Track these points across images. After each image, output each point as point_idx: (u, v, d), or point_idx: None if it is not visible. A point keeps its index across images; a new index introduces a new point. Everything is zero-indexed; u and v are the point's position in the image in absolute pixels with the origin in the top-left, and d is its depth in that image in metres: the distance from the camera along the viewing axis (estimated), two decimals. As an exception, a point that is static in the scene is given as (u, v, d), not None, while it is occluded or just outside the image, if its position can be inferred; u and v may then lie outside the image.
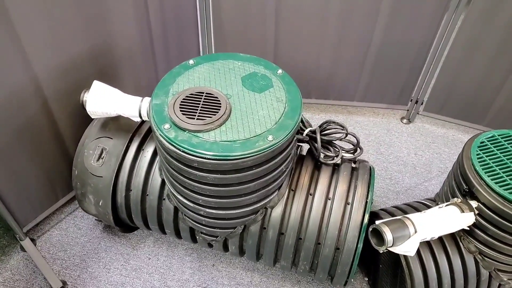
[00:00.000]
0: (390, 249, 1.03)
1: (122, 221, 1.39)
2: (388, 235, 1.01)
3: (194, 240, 1.34)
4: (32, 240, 1.42)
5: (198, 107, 1.02)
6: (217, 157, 0.95)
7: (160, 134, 0.99)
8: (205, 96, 1.05)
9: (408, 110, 2.00)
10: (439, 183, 1.74)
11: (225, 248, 1.31)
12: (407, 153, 1.88)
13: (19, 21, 1.09)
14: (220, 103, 1.03)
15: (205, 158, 0.95)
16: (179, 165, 1.01)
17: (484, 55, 1.70)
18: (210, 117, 1.00)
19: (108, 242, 1.49)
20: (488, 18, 1.60)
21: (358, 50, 1.80)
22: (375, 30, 1.72)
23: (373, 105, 2.01)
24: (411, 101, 1.96)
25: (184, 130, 0.98)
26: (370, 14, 1.68)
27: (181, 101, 1.03)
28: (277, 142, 0.98)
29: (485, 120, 1.89)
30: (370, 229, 1.05)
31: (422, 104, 1.96)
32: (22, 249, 1.42)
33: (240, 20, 1.73)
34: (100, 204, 1.29)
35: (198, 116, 1.00)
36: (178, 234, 1.33)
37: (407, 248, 1.02)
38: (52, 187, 1.47)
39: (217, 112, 1.01)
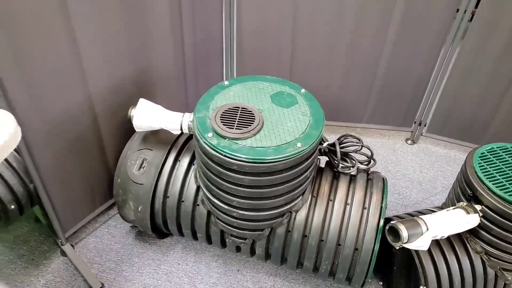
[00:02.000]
0: (405, 245, 1.16)
1: (156, 227, 1.51)
2: (404, 232, 1.14)
3: (223, 244, 1.46)
4: (71, 245, 1.54)
5: (236, 118, 1.18)
6: (254, 160, 1.10)
7: (204, 142, 1.15)
8: (241, 110, 1.21)
9: (412, 131, 2.17)
10: (444, 198, 1.87)
11: (252, 251, 1.44)
12: (412, 171, 2.02)
13: (84, 46, 1.27)
14: (254, 116, 1.20)
15: (243, 161, 1.10)
16: (220, 169, 1.15)
17: (479, 82, 1.89)
18: (246, 127, 1.16)
19: (140, 249, 1.61)
20: (481, 49, 1.79)
21: (365, 76, 1.99)
22: (380, 59, 1.92)
23: (379, 127, 2.18)
24: (414, 123, 2.13)
25: (224, 137, 1.14)
26: (376, 45, 1.88)
27: (221, 114, 1.19)
28: (305, 149, 1.13)
29: (483, 140, 2.05)
30: (387, 227, 1.18)
31: (425, 126, 2.13)
32: (62, 254, 1.53)
33: (259, 49, 1.92)
34: (140, 209, 1.42)
35: (236, 126, 1.16)
36: (208, 239, 1.46)
37: (420, 243, 1.15)
38: (92, 196, 1.60)
39: (252, 123, 1.17)
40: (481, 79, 1.88)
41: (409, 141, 2.18)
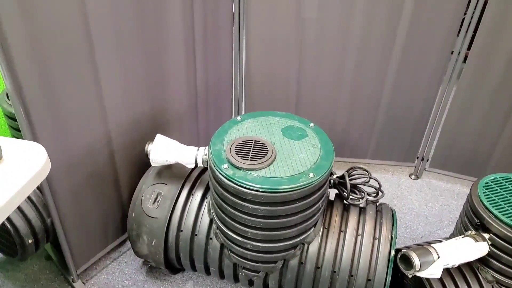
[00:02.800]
0: (418, 273, 1.18)
1: (169, 261, 1.52)
2: (416, 260, 1.16)
3: (235, 278, 1.47)
4: (83, 283, 1.54)
5: (250, 151, 1.24)
6: (269, 190, 1.14)
7: (220, 173, 1.20)
8: (254, 142, 1.28)
9: (415, 166, 2.22)
10: (451, 231, 1.90)
11: (265, 285, 1.44)
12: (418, 205, 2.06)
13: (106, 85, 1.36)
14: (267, 148, 1.26)
15: (258, 191, 1.14)
16: (235, 199, 1.19)
17: (477, 117, 1.97)
18: (260, 158, 1.21)
19: (151, 285, 1.61)
20: (477, 87, 1.89)
21: (368, 114, 2.08)
22: (381, 97, 2.01)
23: (383, 162, 2.24)
24: (417, 158, 2.20)
25: (240, 168, 1.19)
26: (377, 84, 1.98)
27: (236, 146, 1.25)
28: (317, 178, 1.18)
29: (485, 173, 2.09)
30: (399, 256, 1.20)
31: (427, 161, 2.19)
32: (73, 291, 1.53)
33: (267, 89, 2.02)
34: (153, 243, 1.44)
35: (251, 158, 1.21)
36: (221, 273, 1.47)
37: (432, 271, 1.17)
38: (105, 232, 1.62)
39: (266, 155, 1.23)
40: (479, 115, 1.97)
41: (413, 176, 2.23)
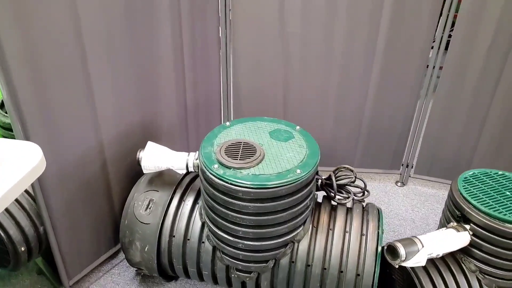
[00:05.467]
0: (403, 263, 1.22)
1: (162, 268, 1.54)
2: (401, 250, 1.21)
3: (228, 282, 1.48)
4: (75, 294, 1.54)
5: (239, 151, 1.30)
6: (258, 186, 1.19)
7: (211, 173, 1.24)
8: (243, 144, 1.33)
9: (400, 174, 2.29)
10: (438, 233, 1.95)
11: (257, 287, 1.46)
12: (405, 210, 2.11)
13: (99, 96, 1.42)
14: (255, 148, 1.31)
15: (248, 188, 1.19)
16: (226, 198, 1.24)
17: (456, 124, 2.07)
18: (249, 158, 1.27)
19: (144, 295, 1.61)
20: (454, 96, 2.00)
21: (353, 125, 2.16)
22: (365, 109, 2.10)
23: (370, 171, 2.30)
24: (402, 165, 2.27)
25: (229, 168, 1.24)
26: (360, 97, 2.07)
27: (226, 148, 1.31)
28: (304, 174, 1.24)
29: (468, 179, 2.17)
30: (385, 247, 1.25)
31: (412, 168, 2.26)
32: (65, 302, 1.53)
33: (254, 102, 2.10)
34: (146, 249, 1.46)
35: (240, 157, 1.27)
36: (214, 276, 1.48)
37: (417, 260, 1.21)
38: (98, 243, 1.63)
39: (254, 154, 1.28)
40: (458, 122, 2.06)
41: (399, 183, 2.30)
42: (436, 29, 1.91)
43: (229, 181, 1.20)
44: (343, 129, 2.17)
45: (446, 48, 1.94)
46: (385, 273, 1.54)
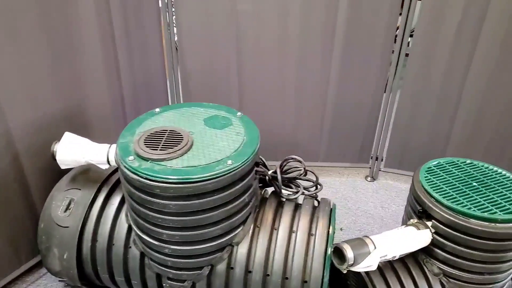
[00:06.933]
0: (352, 268, 1.05)
1: (87, 277, 1.34)
2: (349, 252, 1.03)
3: (161, 291, 1.30)
4: (-11, 309, 1.34)
5: (162, 141, 1.11)
6: (179, 181, 1.00)
7: (124, 166, 1.05)
8: (169, 132, 1.14)
9: (370, 167, 2.12)
10: (407, 231, 1.78)
11: (194, 297, 1.27)
12: (373, 207, 1.94)
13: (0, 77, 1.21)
14: (182, 137, 1.12)
15: (166, 183, 1.00)
16: (143, 195, 1.05)
17: (427, 113, 1.90)
18: (172, 148, 1.08)
19: (71, 308, 1.41)
20: (423, 84, 1.83)
21: (315, 115, 1.98)
22: (327, 95, 1.93)
23: (337, 165, 2.13)
24: (371, 158, 2.09)
25: (147, 160, 1.05)
26: (321, 81, 1.89)
27: (146, 137, 1.12)
28: (236, 166, 1.05)
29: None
30: (332, 249, 1.07)
31: (382, 160, 2.09)
32: (-23, 319, 1.33)
33: (207, 88, 1.91)
34: (65, 257, 1.27)
35: (161, 148, 1.08)
36: (145, 286, 1.29)
37: (368, 264, 1.03)
38: (16, 251, 1.43)
39: (179, 144, 1.09)
40: (428, 110, 1.90)
41: (369, 178, 2.13)
42: (400, 14, 1.74)
43: (144, 175, 1.01)
44: (305, 119, 1.99)
45: (411, 35, 1.77)
46: (339, 278, 1.36)
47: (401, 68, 1.86)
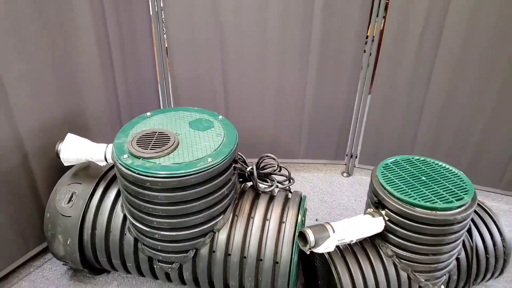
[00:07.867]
0: (314, 249, 1.23)
1: (88, 261, 1.52)
2: (311, 236, 1.22)
3: (153, 273, 1.48)
4: (1, 290, 1.52)
5: (152, 141, 1.28)
6: (166, 175, 1.18)
7: (120, 163, 1.23)
8: (158, 134, 1.32)
9: (346, 164, 2.31)
10: (377, 222, 1.97)
11: (181, 277, 1.45)
12: (347, 200, 2.13)
13: (10, 86, 1.38)
14: (169, 138, 1.30)
15: (156, 177, 1.18)
16: (136, 188, 1.23)
17: (396, 114, 2.09)
18: (160, 148, 1.26)
19: (73, 289, 1.59)
20: (392, 87, 2.01)
21: (295, 115, 2.16)
22: (305, 97, 2.11)
23: (315, 161, 2.32)
24: (346, 155, 2.28)
25: (139, 157, 1.23)
26: (299, 85, 2.07)
27: (138, 138, 1.30)
28: (215, 163, 1.23)
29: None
30: (297, 234, 1.25)
31: (356, 158, 2.28)
32: (-10, 298, 1.50)
33: (194, 93, 2.08)
34: (68, 243, 1.45)
35: (151, 147, 1.26)
36: (138, 268, 1.47)
37: (327, 245, 1.22)
38: (24, 238, 1.61)
39: (166, 144, 1.27)
40: (397, 112, 2.08)
41: (345, 174, 2.31)
42: (370, 15, 1.91)
43: (136, 171, 1.19)
44: (285, 119, 2.17)
45: (381, 38, 1.95)
46: (309, 260, 1.55)
47: (371, 74, 2.04)
